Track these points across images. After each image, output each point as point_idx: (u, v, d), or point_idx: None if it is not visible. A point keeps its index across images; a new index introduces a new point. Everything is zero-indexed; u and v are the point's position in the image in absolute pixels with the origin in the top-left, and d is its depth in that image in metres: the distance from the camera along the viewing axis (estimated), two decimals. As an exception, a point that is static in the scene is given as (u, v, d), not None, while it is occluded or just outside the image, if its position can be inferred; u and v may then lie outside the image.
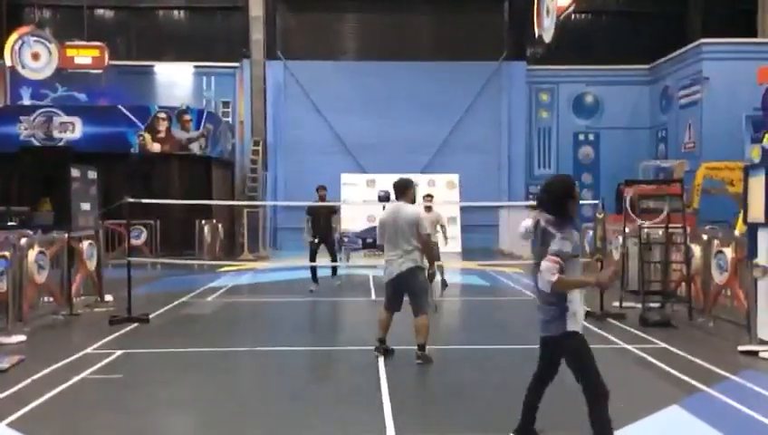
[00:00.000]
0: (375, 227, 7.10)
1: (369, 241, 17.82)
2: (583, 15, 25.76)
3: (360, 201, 21.21)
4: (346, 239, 15.05)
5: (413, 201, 7.22)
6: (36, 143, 19.31)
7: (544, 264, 3.97)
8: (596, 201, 11.89)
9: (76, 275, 10.15)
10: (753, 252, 7.65)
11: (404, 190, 7.04)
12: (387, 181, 22.82)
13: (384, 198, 21.19)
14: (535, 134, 25.64)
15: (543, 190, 4.22)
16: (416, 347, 6.91)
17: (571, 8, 20.27)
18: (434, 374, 6.73)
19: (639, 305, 9.46)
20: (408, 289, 6.80)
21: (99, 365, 6.83)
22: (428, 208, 13.05)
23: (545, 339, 4.32)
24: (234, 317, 10.50)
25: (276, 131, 23.99)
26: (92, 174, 10.91)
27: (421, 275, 6.88)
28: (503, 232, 21.75)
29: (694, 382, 6.15)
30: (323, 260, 12.74)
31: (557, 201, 4.13)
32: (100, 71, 21.79)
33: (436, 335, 9.34)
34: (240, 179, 23.77)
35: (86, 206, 10.54)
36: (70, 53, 21.21)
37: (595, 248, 12.13)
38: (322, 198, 12.66)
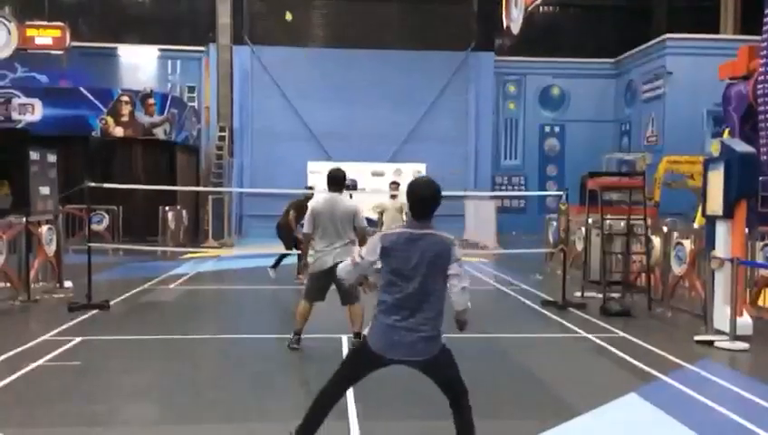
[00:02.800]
0: None
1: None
2: (551, 8, 25.98)
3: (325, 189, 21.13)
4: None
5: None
6: (-6, 125, 18.82)
7: (460, 274, 3.73)
8: (560, 193, 12.04)
9: (34, 260, 9.93)
10: (710, 244, 7.82)
11: (340, 182, 7.00)
12: (354, 169, 22.93)
13: (351, 186, 21.23)
14: (502, 125, 25.83)
15: (426, 195, 3.84)
16: (352, 335, 6.96)
17: (539, 0, 20.43)
18: (397, 362, 6.74)
19: (600, 295, 9.60)
20: (340, 281, 6.79)
21: (57, 352, 6.71)
22: (394, 196, 13.12)
23: (428, 361, 3.84)
24: (196, 305, 10.40)
25: (243, 117, 23.74)
26: (52, 157, 10.67)
27: None
28: (469, 222, 21.88)
29: (651, 371, 6.28)
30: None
31: (431, 205, 3.87)
32: (61, 52, 21.28)
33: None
34: (205, 165, 23.49)
35: (45, 190, 10.31)
36: (30, 32, 20.67)
37: (559, 239, 12.29)
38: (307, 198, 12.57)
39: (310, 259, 6.94)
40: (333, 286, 6.89)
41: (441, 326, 3.82)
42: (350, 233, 6.79)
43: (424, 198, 3.83)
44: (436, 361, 3.83)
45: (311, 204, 6.96)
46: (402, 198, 13.34)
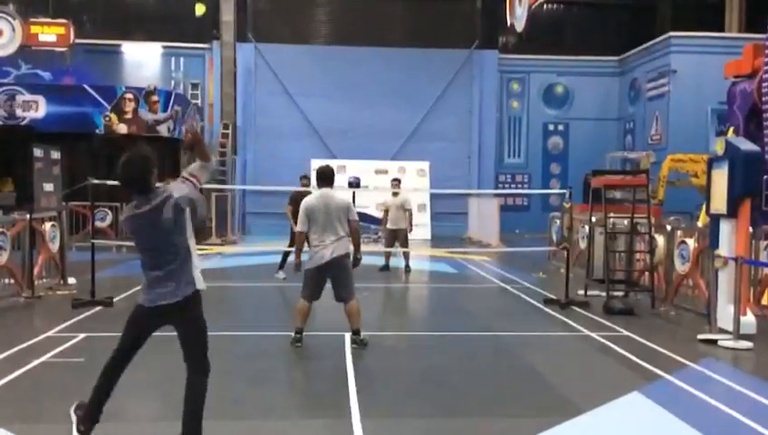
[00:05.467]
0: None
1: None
2: (555, 6, 25.91)
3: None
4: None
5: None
6: (-2, 122, 18.84)
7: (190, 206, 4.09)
8: (564, 191, 12.03)
9: (38, 256, 9.96)
10: (714, 242, 7.80)
11: (330, 178, 7.06)
12: (357, 167, 22.90)
13: (355, 184, 21.24)
14: (506, 123, 25.78)
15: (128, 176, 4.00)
16: (351, 332, 7.01)
17: (543, -2, 20.38)
18: (400, 360, 6.76)
19: (604, 294, 9.59)
20: (337, 275, 6.86)
21: (60, 348, 6.72)
22: (396, 194, 13.14)
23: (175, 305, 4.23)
24: (200, 301, 10.39)
25: (246, 115, 23.74)
26: (56, 154, 10.70)
27: (350, 262, 6.96)
28: (472, 220, 21.88)
29: (654, 370, 6.27)
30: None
31: (138, 181, 4.00)
32: (65, 49, 21.28)
33: (403, 321, 9.41)
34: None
35: (49, 186, 10.33)
36: (34, 29, 20.67)
37: (562, 237, 12.28)
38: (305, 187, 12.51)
39: (304, 257, 6.98)
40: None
41: (193, 273, 4.22)
42: (345, 226, 6.85)
43: (126, 180, 4.01)
44: (186, 304, 4.26)
45: (303, 202, 6.99)
46: (404, 194, 13.38)
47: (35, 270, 9.75)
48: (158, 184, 4.11)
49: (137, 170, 3.98)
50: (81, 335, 7.30)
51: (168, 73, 24.01)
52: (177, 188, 4.08)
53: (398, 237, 13.02)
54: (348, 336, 7.15)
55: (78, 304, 8.89)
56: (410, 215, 13.09)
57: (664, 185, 18.10)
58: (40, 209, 10.04)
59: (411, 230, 13.10)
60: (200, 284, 4.28)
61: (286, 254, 11.99)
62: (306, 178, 12.80)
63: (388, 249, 13.28)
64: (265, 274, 12.51)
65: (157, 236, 4.06)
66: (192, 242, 4.20)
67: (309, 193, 11.74)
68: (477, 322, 8.87)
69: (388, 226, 13.02)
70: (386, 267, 13.21)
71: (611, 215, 10.59)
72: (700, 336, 7.55)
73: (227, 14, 22.69)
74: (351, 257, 6.98)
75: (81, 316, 8.36)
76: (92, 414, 4.30)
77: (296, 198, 11.33)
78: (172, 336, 7.56)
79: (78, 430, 4.24)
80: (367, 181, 21.76)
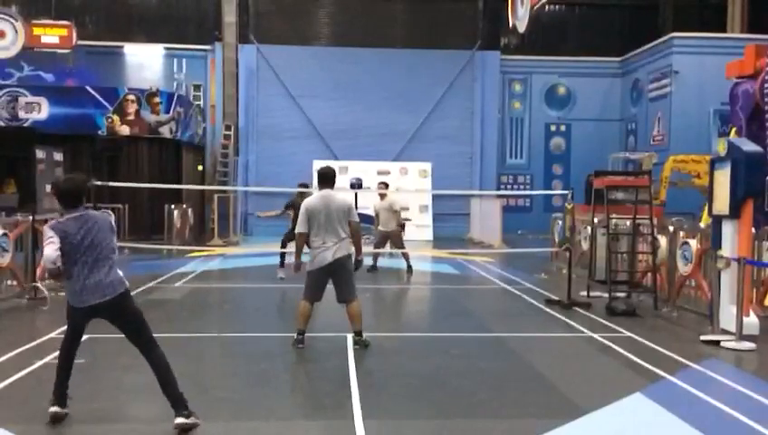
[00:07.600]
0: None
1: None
2: (557, 7, 25.92)
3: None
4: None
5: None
6: (1, 124, 18.85)
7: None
8: (566, 192, 12.02)
9: (41, 258, 9.96)
10: (717, 243, 7.80)
11: (331, 179, 7.07)
12: (359, 168, 22.91)
13: (357, 185, 21.24)
14: (508, 124, 25.78)
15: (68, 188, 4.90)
16: (353, 333, 7.02)
17: (545, -1, 20.37)
18: (402, 361, 6.75)
19: (606, 295, 9.58)
20: (339, 276, 6.87)
21: (62, 350, 6.71)
22: (383, 196, 13.18)
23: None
24: (202, 303, 10.41)
25: (248, 116, 23.76)
26: (58, 156, 10.75)
27: (351, 263, 6.98)
28: (474, 221, 21.88)
29: (657, 371, 6.26)
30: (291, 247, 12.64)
31: (75, 195, 4.92)
32: (67, 50, 21.31)
33: (404, 323, 9.41)
34: (211, 164, 23.52)
35: (51, 188, 10.35)
36: (36, 31, 20.70)
37: (564, 237, 12.27)
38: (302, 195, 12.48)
39: (305, 258, 6.98)
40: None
41: (120, 273, 4.85)
42: (346, 228, 6.85)
43: (66, 192, 4.88)
44: (122, 299, 4.84)
45: (304, 203, 7.00)
46: (391, 196, 13.43)
47: (38, 271, 9.76)
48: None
49: (77, 185, 4.89)
50: (83, 337, 7.28)
51: (170, 75, 24.06)
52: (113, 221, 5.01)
53: (391, 238, 13.05)
54: (350, 337, 7.15)
55: (80, 305, 8.88)
56: (399, 215, 13.10)
57: (666, 186, 18.08)
58: (42, 211, 10.07)
59: (399, 224, 13.03)
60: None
61: (283, 254, 11.97)
62: (305, 185, 12.66)
63: (376, 250, 13.30)
64: (267, 275, 12.52)
65: (90, 240, 4.83)
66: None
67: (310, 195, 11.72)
68: (479, 323, 8.86)
69: (380, 228, 13.08)
70: (374, 268, 13.20)
71: (614, 216, 10.58)
72: (703, 337, 7.54)
73: (229, 16, 22.70)
74: (353, 259, 6.98)
75: (84, 318, 8.35)
76: (62, 393, 4.85)
77: (295, 203, 11.44)
78: (171, 337, 7.57)
79: (53, 411, 4.74)
80: (369, 182, 21.76)
